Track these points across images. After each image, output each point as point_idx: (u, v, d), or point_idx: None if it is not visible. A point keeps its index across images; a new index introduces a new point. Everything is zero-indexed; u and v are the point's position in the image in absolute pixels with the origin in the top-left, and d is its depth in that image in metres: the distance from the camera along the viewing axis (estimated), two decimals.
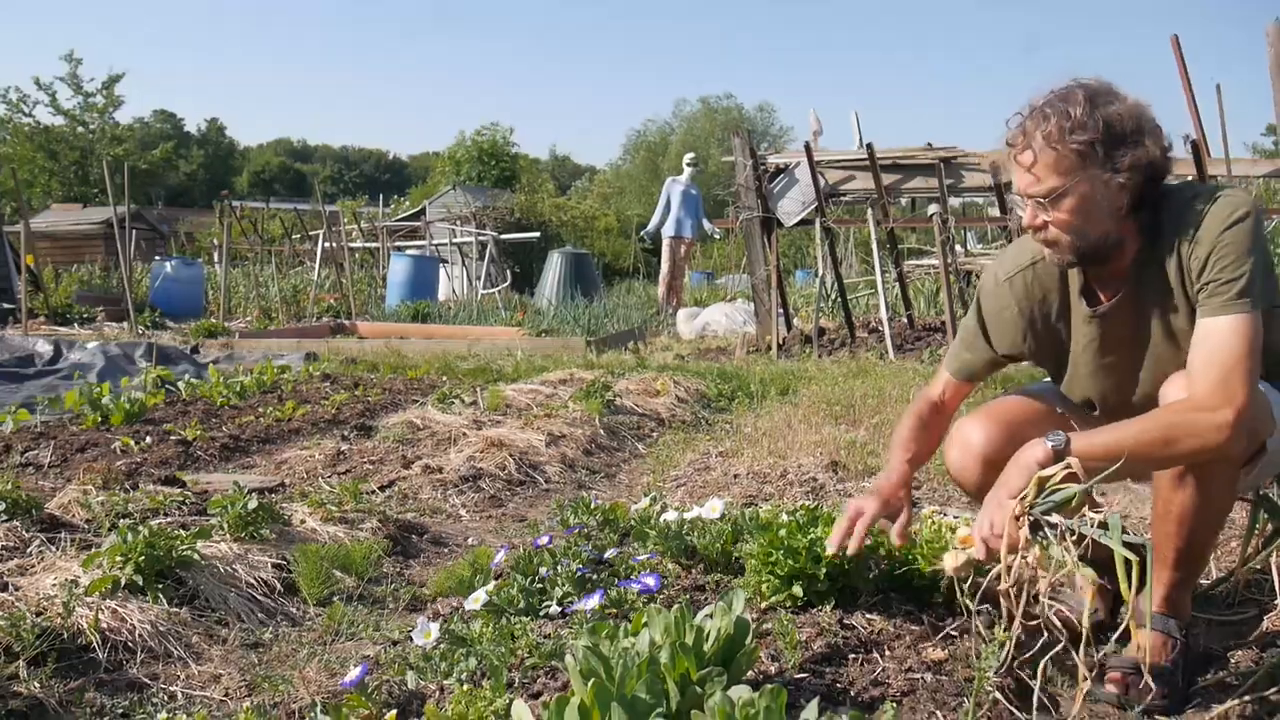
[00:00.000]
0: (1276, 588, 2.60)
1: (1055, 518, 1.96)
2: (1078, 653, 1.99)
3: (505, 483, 4.35)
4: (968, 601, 1.98)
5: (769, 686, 1.43)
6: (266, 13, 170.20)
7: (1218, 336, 2.03)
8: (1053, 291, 2.36)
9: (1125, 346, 2.29)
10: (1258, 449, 2.16)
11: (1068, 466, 1.99)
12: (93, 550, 2.80)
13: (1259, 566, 2.78)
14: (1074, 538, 1.92)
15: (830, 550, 2.25)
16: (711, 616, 1.81)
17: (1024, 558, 1.93)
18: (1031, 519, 1.97)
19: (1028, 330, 2.41)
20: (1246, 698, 2.13)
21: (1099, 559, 2.59)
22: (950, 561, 2.12)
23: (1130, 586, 1.82)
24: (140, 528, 2.77)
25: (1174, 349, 2.22)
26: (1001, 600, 1.95)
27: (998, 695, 1.90)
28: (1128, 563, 1.84)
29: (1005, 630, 1.90)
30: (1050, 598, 2.39)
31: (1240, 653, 2.40)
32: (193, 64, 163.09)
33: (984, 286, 2.50)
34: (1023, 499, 1.99)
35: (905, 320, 10.25)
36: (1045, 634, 1.86)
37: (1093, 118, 2.08)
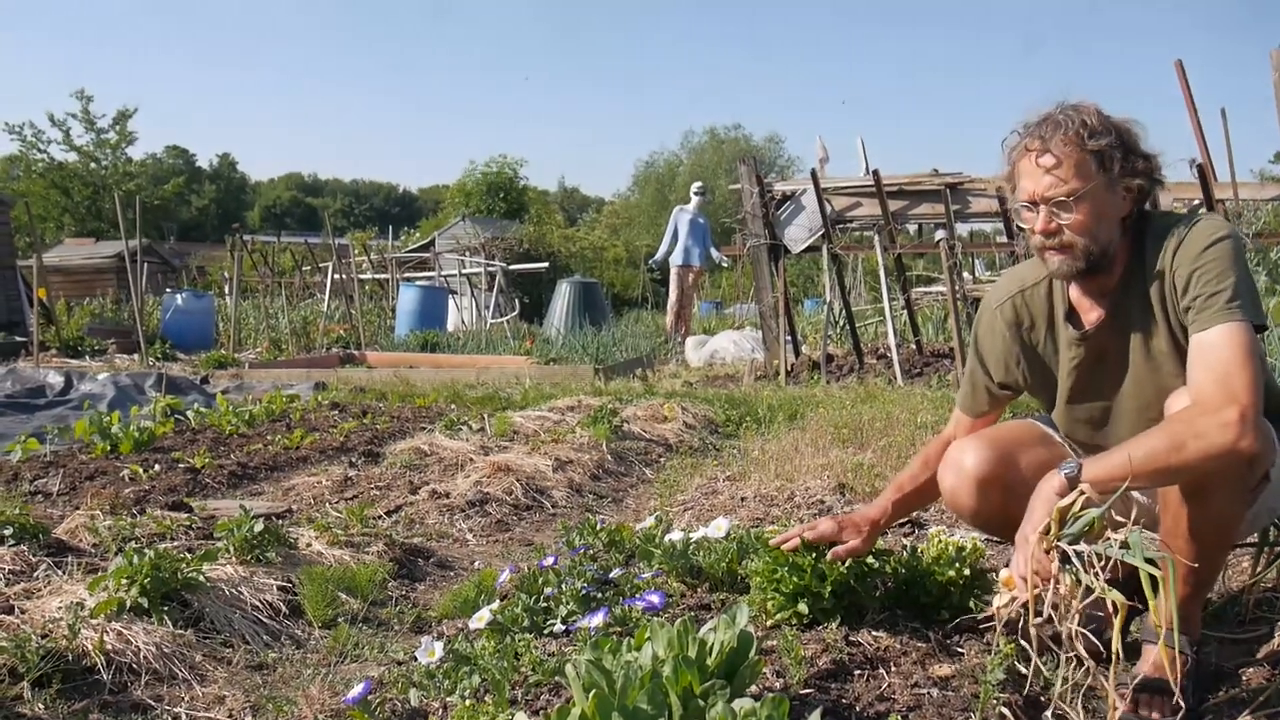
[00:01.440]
0: None
1: (1081, 545, 1.95)
2: (1105, 677, 1.98)
3: (512, 507, 4.34)
4: (1024, 644, 1.94)
5: (770, 696, 1.43)
6: (278, 49, 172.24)
7: (1213, 346, 2.04)
8: (1040, 317, 2.40)
9: (1108, 368, 2.31)
10: (1260, 478, 2.16)
11: (1083, 493, 1.99)
12: (99, 574, 2.80)
13: (1270, 585, 2.76)
14: (1101, 562, 1.91)
15: (772, 543, 2.43)
16: (715, 630, 1.80)
17: (1056, 588, 1.92)
18: (1059, 550, 1.96)
19: (1020, 356, 2.44)
20: (1257, 714, 2.11)
21: (1116, 581, 2.58)
22: (998, 603, 2.11)
23: (1157, 601, 1.81)
24: (146, 551, 2.77)
25: (1153, 371, 2.23)
26: (1033, 631, 1.92)
27: (1004, 711, 1.88)
28: (1153, 578, 1.83)
29: (1011, 655, 1.89)
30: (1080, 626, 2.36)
31: (1251, 670, 2.38)
32: (205, 100, 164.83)
33: (979, 317, 2.55)
34: (1046, 532, 1.98)
35: (913, 346, 10.24)
36: (1070, 662, 1.84)
37: (1106, 125, 2.14)
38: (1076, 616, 1.87)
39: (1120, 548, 1.86)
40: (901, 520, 3.60)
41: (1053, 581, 1.91)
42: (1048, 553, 1.94)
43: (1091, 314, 2.31)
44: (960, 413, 2.60)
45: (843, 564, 2.33)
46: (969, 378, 2.57)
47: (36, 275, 13.61)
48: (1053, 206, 2.16)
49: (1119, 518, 2.43)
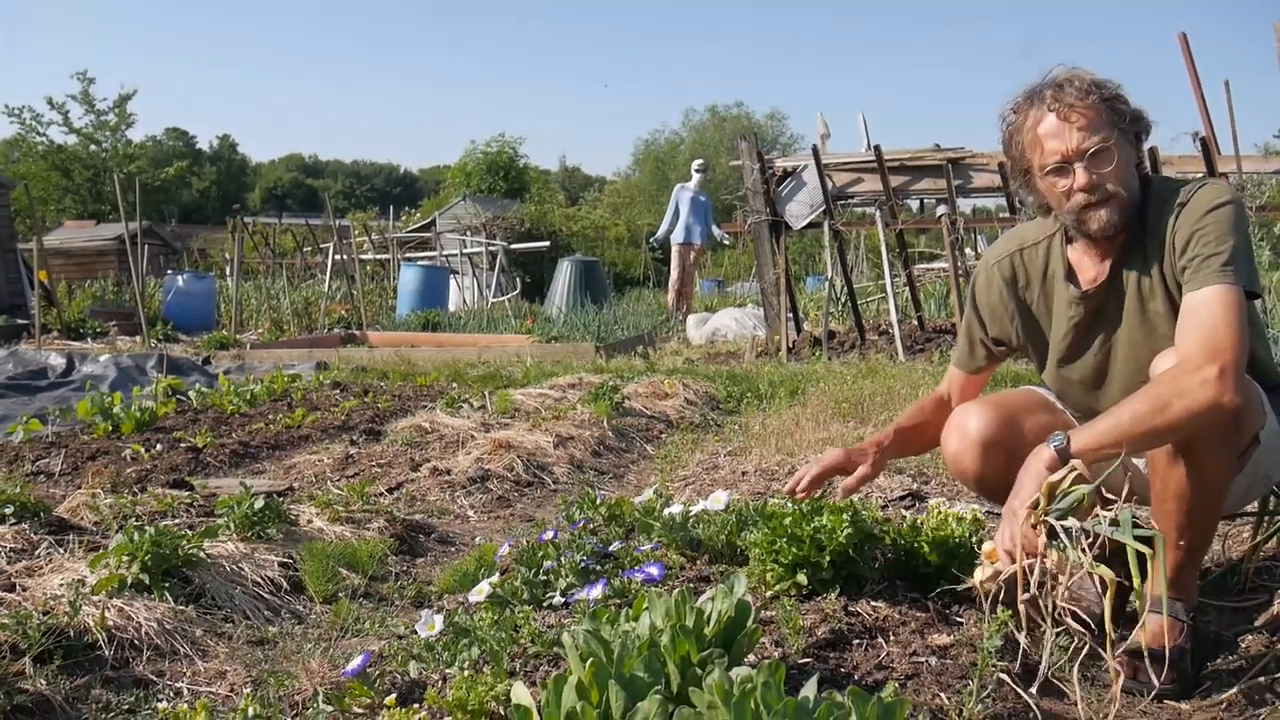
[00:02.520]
0: None
1: (1070, 520, 1.96)
2: (1102, 648, 1.97)
3: (513, 484, 4.35)
4: (1008, 620, 1.95)
5: (767, 662, 1.43)
6: (277, 30, 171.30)
7: (1202, 305, 2.06)
8: (1036, 277, 2.43)
9: (1104, 329, 2.33)
10: (1250, 441, 2.17)
11: (1073, 469, 1.99)
12: (100, 551, 2.81)
13: (1270, 553, 2.76)
14: (1089, 539, 1.92)
15: (785, 490, 2.49)
16: (713, 600, 1.80)
17: (1042, 562, 1.93)
18: (1047, 525, 1.97)
19: (1016, 312, 2.46)
20: (1256, 680, 2.11)
21: (1112, 554, 2.59)
22: (979, 575, 2.12)
23: (1145, 579, 1.82)
24: (147, 528, 2.78)
25: (1149, 334, 2.24)
26: (1021, 607, 1.93)
27: (1003, 676, 1.89)
28: (1140, 555, 1.84)
29: (1009, 623, 1.89)
30: (1070, 599, 2.37)
31: (1250, 638, 2.38)
32: (205, 82, 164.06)
33: (977, 273, 2.58)
34: (1035, 506, 1.98)
35: (915, 322, 10.24)
36: (1066, 633, 1.85)
37: (1109, 85, 2.19)
38: (1065, 592, 1.88)
39: (1110, 525, 1.87)
40: (904, 497, 3.64)
41: (1039, 557, 1.91)
42: (1034, 527, 1.94)
43: (1090, 273, 2.32)
44: (955, 369, 2.64)
45: (842, 534, 2.33)
46: (965, 332, 2.60)
47: (37, 258, 13.62)
48: (1088, 161, 2.16)
49: (1109, 494, 2.45)
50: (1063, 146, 2.18)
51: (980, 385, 2.62)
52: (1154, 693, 2.13)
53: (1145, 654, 2.18)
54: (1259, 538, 2.71)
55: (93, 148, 37.30)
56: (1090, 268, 2.32)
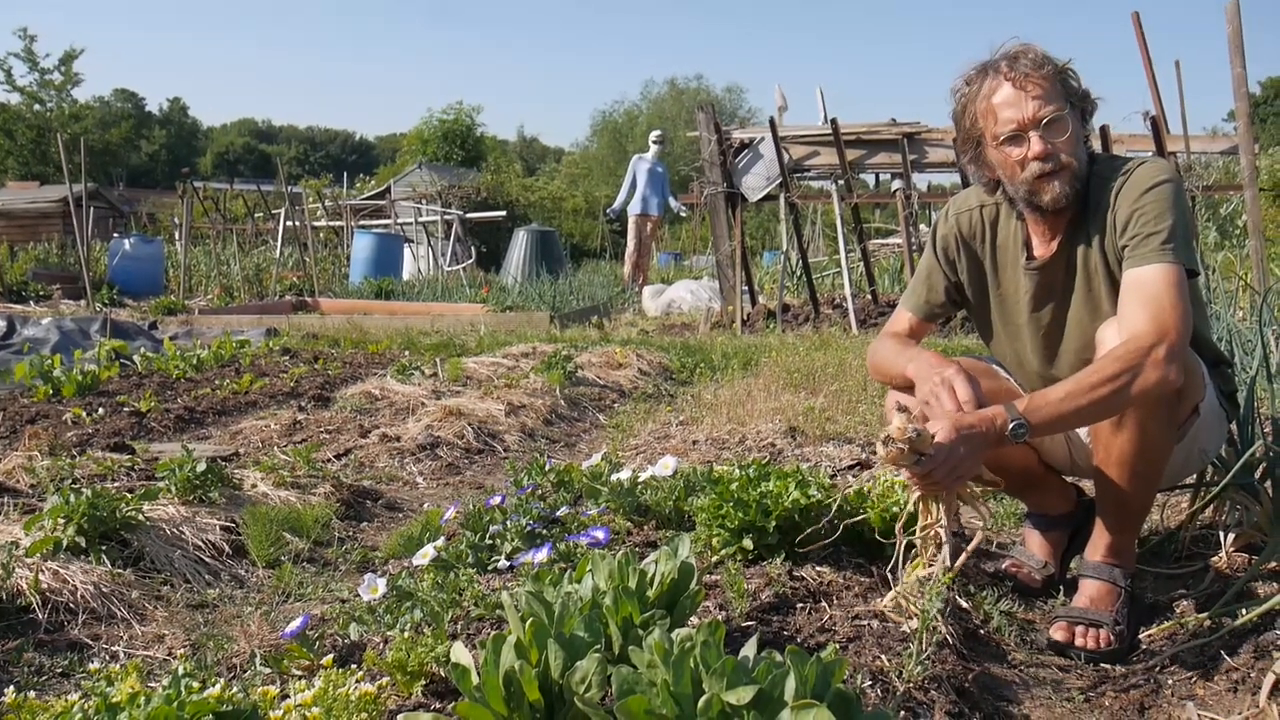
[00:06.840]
0: (1221, 541, 2.64)
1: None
2: (1029, 604, 2.00)
3: (463, 451, 4.31)
4: (946, 579, 1.98)
5: (707, 621, 1.42)
6: None
7: (1147, 284, 2.08)
8: (993, 236, 2.42)
9: (1053, 302, 2.35)
10: (1190, 412, 2.20)
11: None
12: (35, 514, 2.74)
13: (1205, 522, 2.81)
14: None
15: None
16: (657, 562, 1.79)
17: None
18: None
19: (969, 266, 2.46)
20: (1190, 645, 2.15)
21: (1052, 515, 2.62)
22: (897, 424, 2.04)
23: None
24: (84, 490, 2.72)
25: (1093, 310, 2.27)
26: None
27: (944, 635, 1.91)
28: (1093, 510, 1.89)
29: (948, 579, 1.91)
30: (1001, 553, 2.40)
31: (1185, 603, 2.43)
32: (155, 42, 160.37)
33: (937, 222, 2.58)
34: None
35: (869, 296, 10.29)
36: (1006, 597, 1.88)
37: (1059, 60, 2.22)
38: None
39: None
40: (852, 466, 3.68)
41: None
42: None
43: (1041, 248, 2.34)
44: (908, 312, 2.54)
45: (788, 499, 2.33)
46: (922, 278, 2.53)
47: None
48: (1043, 129, 2.17)
49: (1049, 463, 2.53)
50: (1019, 115, 2.18)
51: (924, 335, 2.58)
52: (1090, 656, 2.16)
53: (1081, 616, 2.21)
54: (1195, 506, 2.76)
55: (37, 107, 36.36)
56: (1039, 244, 2.34)
